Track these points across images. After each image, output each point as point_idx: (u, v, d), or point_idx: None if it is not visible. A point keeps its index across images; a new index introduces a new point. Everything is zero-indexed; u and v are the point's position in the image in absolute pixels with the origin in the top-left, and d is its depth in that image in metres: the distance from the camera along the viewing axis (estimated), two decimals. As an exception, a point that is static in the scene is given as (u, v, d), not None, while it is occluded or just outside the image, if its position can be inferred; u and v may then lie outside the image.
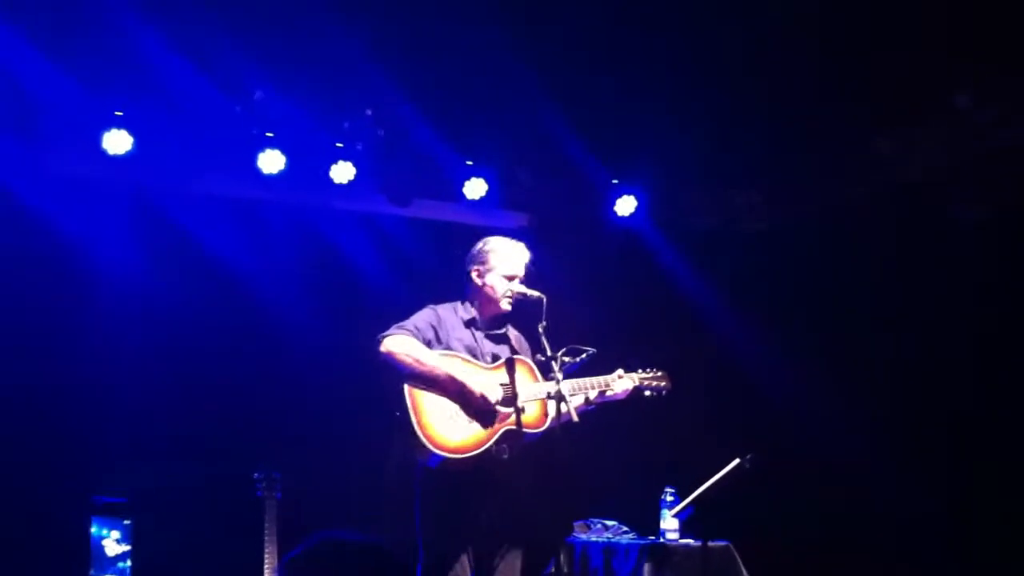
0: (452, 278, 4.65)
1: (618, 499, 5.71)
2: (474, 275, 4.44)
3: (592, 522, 5.45)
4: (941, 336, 6.34)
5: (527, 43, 5.48)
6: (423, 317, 4.36)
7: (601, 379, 4.43)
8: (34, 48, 5.15)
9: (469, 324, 4.40)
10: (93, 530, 5.35)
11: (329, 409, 6.16)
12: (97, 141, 5.59)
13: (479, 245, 4.46)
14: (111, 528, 5.37)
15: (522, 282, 4.41)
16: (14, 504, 5.41)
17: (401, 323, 4.31)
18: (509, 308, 4.38)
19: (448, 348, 4.31)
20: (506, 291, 4.36)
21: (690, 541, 5.17)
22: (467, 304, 4.45)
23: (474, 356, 4.33)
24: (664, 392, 4.54)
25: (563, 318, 4.33)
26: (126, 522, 5.39)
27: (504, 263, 4.40)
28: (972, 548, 6.04)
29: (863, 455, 6.32)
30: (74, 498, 5.45)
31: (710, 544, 5.09)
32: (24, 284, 5.63)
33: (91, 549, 5.31)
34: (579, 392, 4.35)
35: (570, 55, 5.65)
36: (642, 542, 5.17)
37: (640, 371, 4.51)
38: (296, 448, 5.82)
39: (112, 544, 5.35)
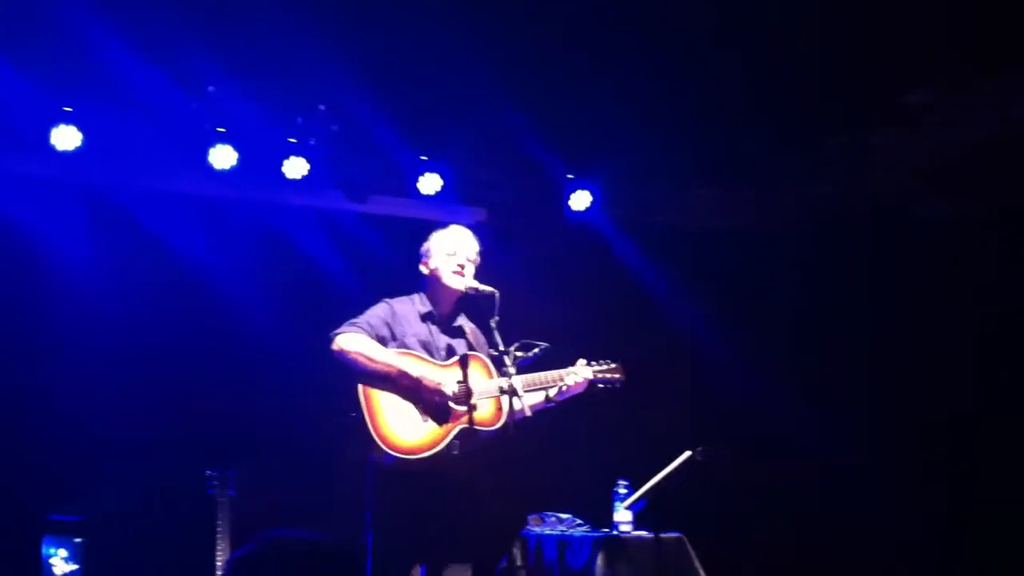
0: (409, 274, 4.65)
1: (572, 492, 5.74)
2: (422, 267, 4.45)
3: (546, 515, 5.47)
4: (898, 332, 6.43)
5: (482, 37, 5.47)
6: (376, 313, 4.34)
7: (555, 373, 4.42)
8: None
9: (426, 318, 4.39)
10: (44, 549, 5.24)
11: (286, 407, 6.12)
12: (45, 137, 5.52)
13: (424, 243, 4.48)
14: (59, 547, 5.25)
15: (478, 274, 4.41)
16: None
17: (354, 320, 4.29)
18: (461, 286, 4.34)
19: (403, 344, 4.29)
20: (452, 267, 4.35)
21: (643, 533, 5.21)
22: (423, 296, 4.44)
23: (429, 352, 4.31)
24: (618, 384, 4.54)
25: (519, 312, 4.34)
26: (77, 540, 5.26)
27: (442, 243, 4.41)
28: (921, 535, 6.14)
29: (815, 448, 6.40)
30: (28, 516, 5.35)
31: (663, 536, 5.13)
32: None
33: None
34: (534, 387, 4.35)
35: (527, 49, 5.64)
36: (596, 534, 5.20)
37: (594, 364, 4.52)
38: (252, 446, 5.80)
39: (60, 563, 5.23)
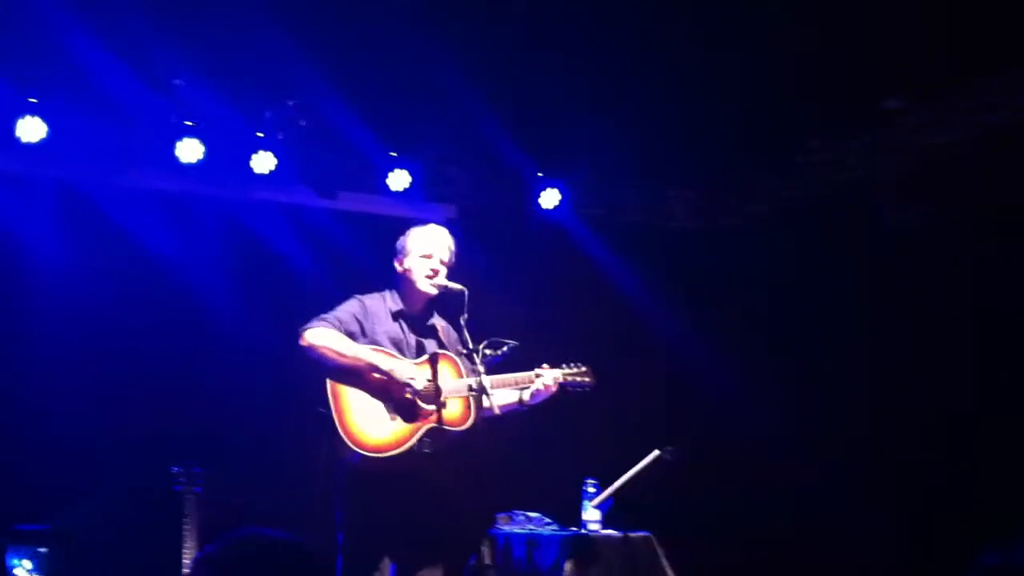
0: (378, 270, 4.62)
1: (540, 491, 5.73)
2: (396, 265, 4.43)
3: (515, 514, 5.46)
4: (869, 336, 6.48)
5: (453, 34, 5.45)
6: (347, 309, 4.31)
7: (524, 375, 4.42)
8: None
9: (397, 316, 4.37)
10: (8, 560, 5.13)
11: (254, 403, 6.07)
12: (10, 129, 5.44)
13: (399, 238, 4.45)
14: (23, 557, 5.13)
15: (449, 272, 4.39)
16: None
17: (323, 315, 4.26)
18: (433, 290, 4.33)
19: (374, 341, 4.27)
20: (425, 271, 4.33)
21: (612, 532, 5.21)
22: (394, 294, 4.42)
23: (399, 349, 4.29)
24: (588, 388, 4.55)
25: (488, 311, 4.34)
26: (42, 550, 5.16)
27: (418, 243, 4.39)
28: (895, 534, 6.19)
29: (784, 448, 6.44)
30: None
31: (631, 535, 5.14)
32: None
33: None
34: (504, 387, 4.35)
35: (498, 47, 5.63)
36: (564, 533, 5.20)
37: (564, 367, 4.51)
38: (219, 443, 5.74)
39: (24, 574, 5.13)
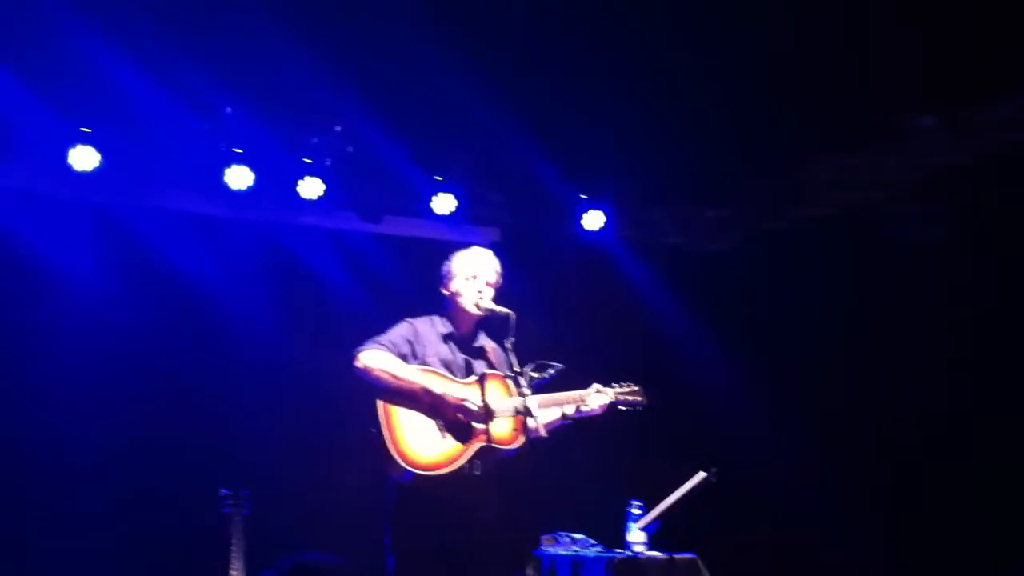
0: (422, 294, 4.66)
1: (585, 512, 5.73)
2: (443, 290, 4.47)
3: (559, 535, 5.46)
4: (902, 353, 6.45)
5: (495, 61, 5.52)
6: (399, 332, 4.36)
7: (576, 394, 4.43)
8: (1, 66, 5.12)
9: (447, 338, 4.41)
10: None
11: (300, 425, 6.14)
12: (63, 158, 5.56)
13: (444, 263, 4.50)
14: None
15: (495, 295, 4.42)
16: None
17: (377, 337, 4.31)
18: (479, 312, 4.37)
19: (424, 363, 4.31)
20: (472, 293, 4.37)
21: (657, 554, 5.20)
22: (443, 319, 4.46)
23: (450, 371, 4.33)
24: (639, 407, 4.55)
25: (532, 332, 4.36)
26: None
27: (464, 266, 4.43)
28: (929, 553, 6.13)
29: (828, 471, 6.40)
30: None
31: (676, 557, 5.12)
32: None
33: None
34: (552, 406, 4.37)
35: (539, 72, 5.69)
36: (609, 555, 5.19)
37: (615, 386, 4.52)
38: (266, 466, 5.80)
39: None
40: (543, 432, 4.12)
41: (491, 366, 4.38)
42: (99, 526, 5.58)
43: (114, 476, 5.70)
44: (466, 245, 4.60)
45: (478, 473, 4.19)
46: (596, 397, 4.44)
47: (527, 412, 4.10)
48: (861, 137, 6.32)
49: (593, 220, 6.80)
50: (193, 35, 5.18)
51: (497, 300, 4.41)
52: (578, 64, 5.63)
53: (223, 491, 5.24)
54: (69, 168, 5.59)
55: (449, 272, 4.46)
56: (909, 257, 6.41)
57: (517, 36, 5.43)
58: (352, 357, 4.22)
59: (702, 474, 5.10)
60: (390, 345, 4.27)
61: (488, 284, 4.42)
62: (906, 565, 6.18)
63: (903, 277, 6.42)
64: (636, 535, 5.23)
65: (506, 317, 4.27)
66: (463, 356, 4.40)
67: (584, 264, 6.96)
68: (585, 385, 4.48)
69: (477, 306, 4.35)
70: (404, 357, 4.28)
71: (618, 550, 5.27)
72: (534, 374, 4.25)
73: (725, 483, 5.13)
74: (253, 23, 5.20)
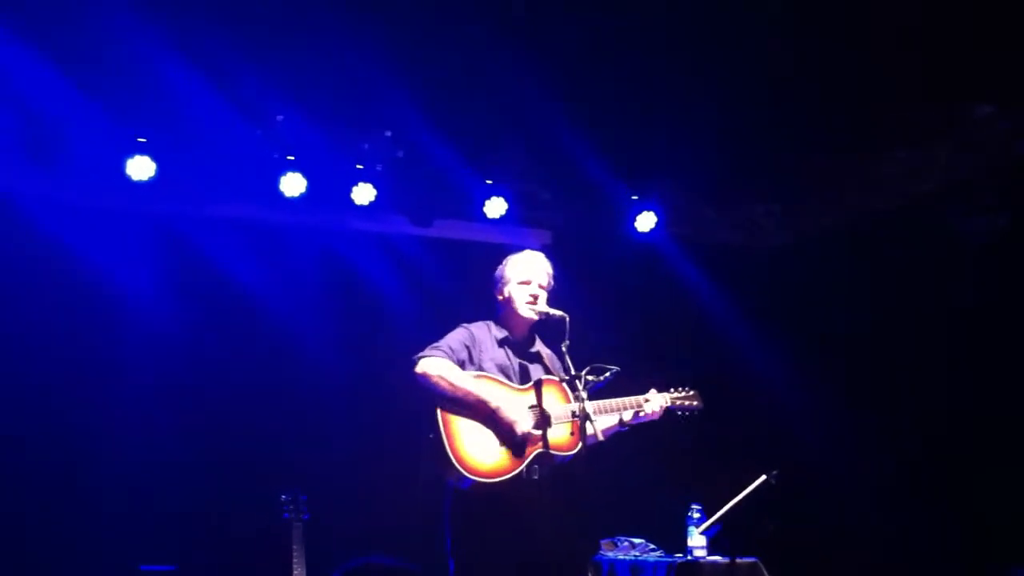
0: (473, 297, 4.65)
1: (645, 516, 5.68)
2: (496, 295, 4.46)
3: (619, 540, 5.42)
4: (960, 348, 6.31)
5: (544, 62, 5.49)
6: (457, 337, 4.35)
7: (633, 399, 4.40)
8: (59, 76, 5.19)
9: (502, 343, 4.40)
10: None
11: (354, 431, 6.17)
12: (120, 167, 5.64)
13: (498, 268, 4.49)
14: None
15: (549, 298, 4.40)
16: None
17: (436, 344, 4.29)
18: (534, 316, 4.35)
19: (481, 368, 4.30)
20: (525, 297, 4.35)
21: (718, 558, 5.14)
22: (498, 323, 4.45)
23: (506, 376, 4.31)
24: (696, 411, 4.51)
25: (585, 335, 4.33)
26: None
27: (516, 270, 4.42)
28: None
29: (891, 474, 6.29)
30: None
31: (738, 561, 5.06)
32: (47, 313, 5.68)
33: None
34: (610, 412, 4.33)
35: (589, 74, 5.66)
36: (669, 560, 5.14)
37: (672, 391, 4.49)
38: (323, 471, 5.83)
39: None
40: (601, 437, 4.10)
41: (547, 371, 4.36)
42: (163, 530, 5.64)
43: (176, 482, 5.76)
44: (518, 249, 4.58)
45: (536, 479, 4.17)
46: (654, 402, 4.40)
47: (585, 417, 4.06)
48: (919, 131, 6.20)
49: (645, 221, 6.75)
50: (244, 42, 5.22)
51: (550, 303, 4.39)
52: (629, 65, 5.60)
53: (283, 496, 5.28)
54: (125, 178, 5.66)
55: (502, 277, 4.45)
56: (970, 250, 6.28)
57: (569, 38, 5.41)
58: (411, 363, 4.21)
59: (763, 477, 5.02)
60: (449, 351, 4.25)
61: (541, 287, 4.40)
62: (969, 569, 6.04)
63: (965, 271, 6.29)
64: (696, 539, 5.16)
65: (561, 320, 4.25)
66: (519, 361, 4.38)
67: (637, 265, 6.91)
68: (639, 387, 4.45)
69: (532, 309, 4.34)
70: (462, 363, 4.27)
71: (678, 555, 5.22)
72: (590, 377, 4.22)
73: (786, 486, 5.05)
74: (304, 30, 5.23)
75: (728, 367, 6.83)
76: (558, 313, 4.29)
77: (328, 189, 6.05)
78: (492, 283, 4.48)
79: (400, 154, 6.11)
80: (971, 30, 5.12)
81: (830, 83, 5.66)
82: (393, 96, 5.65)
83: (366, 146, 6.05)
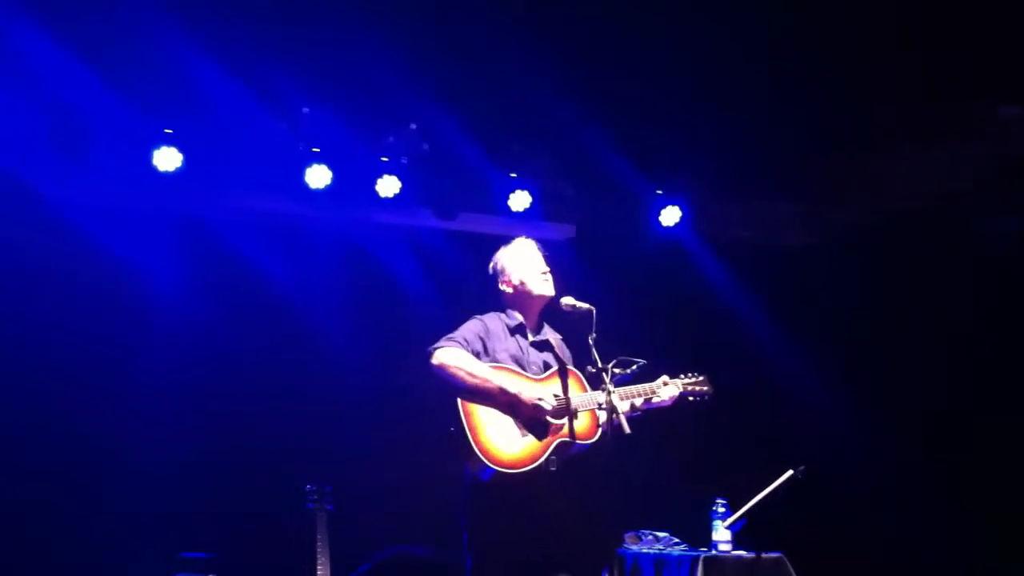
0: (497, 291, 4.65)
1: (669, 510, 5.67)
2: (503, 287, 4.46)
3: (643, 533, 5.42)
4: (983, 348, 6.28)
5: (570, 57, 5.49)
6: (471, 328, 4.35)
7: (646, 386, 4.39)
8: (85, 68, 5.22)
9: (515, 331, 4.40)
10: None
11: (378, 422, 6.19)
12: (147, 159, 5.66)
13: (491, 265, 4.50)
14: None
15: (568, 290, 4.40)
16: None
17: (451, 335, 4.30)
18: (551, 292, 4.37)
19: (495, 359, 4.30)
20: (537, 275, 4.38)
21: (742, 552, 5.13)
22: (510, 312, 4.45)
23: (521, 366, 4.31)
24: (707, 397, 4.50)
25: (608, 327, 4.32)
26: None
27: (520, 256, 4.46)
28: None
29: (915, 469, 6.25)
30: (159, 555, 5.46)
31: (763, 555, 5.05)
32: (74, 307, 5.71)
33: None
34: (623, 399, 4.33)
35: (613, 68, 5.66)
36: (694, 553, 5.13)
37: (683, 376, 4.49)
38: (347, 462, 5.85)
39: None
40: (627, 428, 4.08)
41: (558, 359, 4.35)
42: (187, 521, 5.66)
43: (201, 473, 5.79)
44: (543, 243, 4.59)
45: (554, 469, 4.16)
46: (666, 389, 4.40)
47: (612, 408, 4.06)
48: (939, 129, 6.16)
49: (670, 216, 6.73)
50: (271, 35, 5.24)
51: (573, 295, 4.39)
52: (652, 60, 5.59)
53: (308, 486, 5.30)
54: (151, 169, 5.68)
55: (504, 268, 4.46)
56: (991, 248, 6.24)
57: (592, 33, 5.40)
58: (427, 355, 4.21)
59: (790, 472, 5.01)
60: (464, 343, 4.26)
61: (542, 260, 4.42)
62: (997, 563, 6.01)
63: (985, 268, 6.25)
64: (721, 533, 5.16)
65: (588, 312, 4.24)
66: (533, 350, 4.38)
67: (660, 260, 6.90)
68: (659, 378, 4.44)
69: (550, 286, 4.36)
70: (477, 354, 4.27)
71: (703, 549, 5.21)
72: (617, 370, 4.22)
73: (812, 481, 5.03)
74: (330, 23, 5.24)
75: (754, 363, 6.81)
76: (584, 306, 4.28)
77: (353, 182, 6.05)
78: (492, 276, 4.48)
79: (425, 147, 6.11)
80: (996, 31, 5.08)
81: (857, 82, 5.63)
82: (418, 90, 5.66)
83: (391, 139, 6.06)
